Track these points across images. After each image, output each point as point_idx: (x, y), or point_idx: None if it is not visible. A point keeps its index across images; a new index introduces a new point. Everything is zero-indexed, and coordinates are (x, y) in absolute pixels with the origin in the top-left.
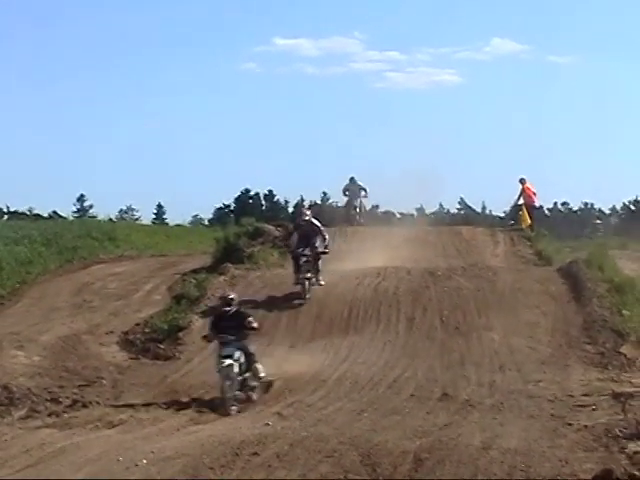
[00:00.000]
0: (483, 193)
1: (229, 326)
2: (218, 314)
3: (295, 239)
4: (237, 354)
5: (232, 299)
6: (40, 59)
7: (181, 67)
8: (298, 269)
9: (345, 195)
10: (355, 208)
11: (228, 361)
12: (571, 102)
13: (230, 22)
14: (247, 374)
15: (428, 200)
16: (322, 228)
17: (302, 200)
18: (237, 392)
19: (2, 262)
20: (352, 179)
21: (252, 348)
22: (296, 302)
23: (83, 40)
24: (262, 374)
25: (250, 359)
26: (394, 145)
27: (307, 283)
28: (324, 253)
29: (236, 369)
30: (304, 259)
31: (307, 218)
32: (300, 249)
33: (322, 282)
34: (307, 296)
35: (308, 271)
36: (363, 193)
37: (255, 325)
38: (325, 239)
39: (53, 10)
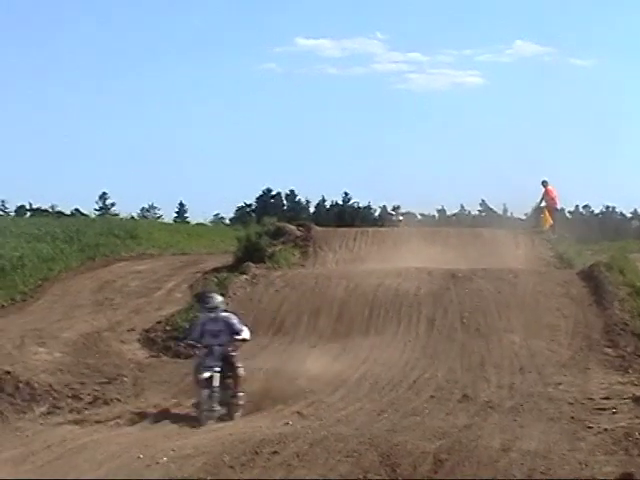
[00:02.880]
0: (504, 195)
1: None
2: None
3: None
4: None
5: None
6: (63, 54)
7: (203, 66)
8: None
9: None
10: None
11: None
12: (593, 104)
13: (252, 22)
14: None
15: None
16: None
17: (324, 200)
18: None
19: (24, 259)
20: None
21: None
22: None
23: (103, 38)
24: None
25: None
26: (415, 146)
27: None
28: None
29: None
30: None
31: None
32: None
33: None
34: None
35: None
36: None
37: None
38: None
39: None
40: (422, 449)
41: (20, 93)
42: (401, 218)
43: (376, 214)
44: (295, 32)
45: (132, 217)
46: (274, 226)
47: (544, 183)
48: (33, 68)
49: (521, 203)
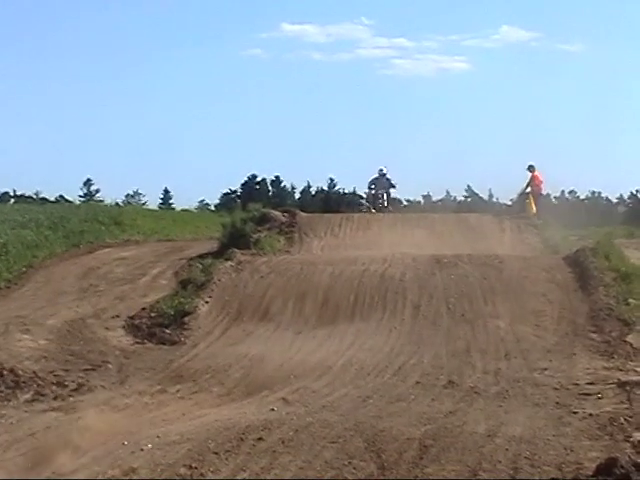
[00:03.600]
0: (490, 180)
1: None
2: None
3: None
4: None
5: None
6: (46, 44)
7: (187, 53)
8: None
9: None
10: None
11: None
12: (580, 90)
13: (237, 8)
14: None
15: None
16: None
17: (309, 186)
18: None
19: (8, 246)
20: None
21: None
22: None
23: (91, 27)
24: None
25: None
26: (401, 132)
27: None
28: None
29: None
30: None
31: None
32: None
33: None
34: None
35: None
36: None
37: None
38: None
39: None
40: (407, 435)
41: (2, 80)
42: (390, 208)
43: (363, 200)
44: (280, 18)
45: (117, 203)
46: (259, 212)
47: (530, 168)
48: (16, 56)
49: (506, 188)
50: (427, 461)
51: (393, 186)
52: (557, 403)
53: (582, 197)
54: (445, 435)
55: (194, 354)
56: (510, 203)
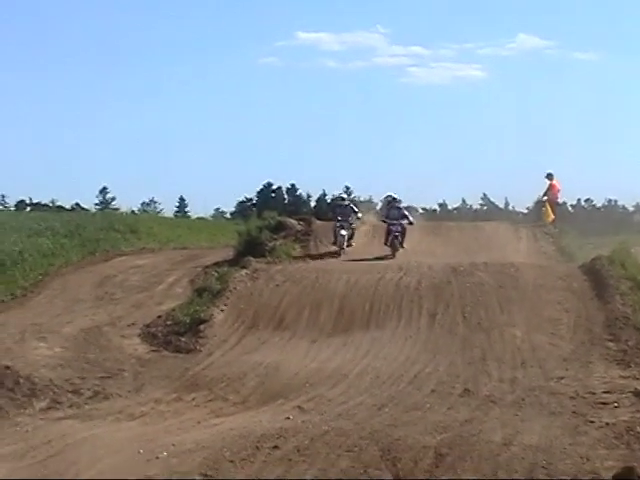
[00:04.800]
0: (506, 189)
1: None
2: None
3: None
4: None
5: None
6: (62, 52)
7: (204, 62)
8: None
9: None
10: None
11: None
12: (595, 98)
13: (252, 16)
14: None
15: None
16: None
17: (324, 194)
18: None
19: (25, 254)
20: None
21: None
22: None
23: (105, 33)
24: None
25: None
26: (417, 140)
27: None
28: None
29: None
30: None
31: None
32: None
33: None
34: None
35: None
36: (358, 216)
37: None
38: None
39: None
40: (423, 443)
41: (20, 88)
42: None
43: (377, 207)
44: (296, 26)
45: (132, 212)
46: (275, 220)
47: (549, 176)
48: (32, 62)
49: (523, 197)
50: (443, 470)
51: (356, 212)
52: (573, 412)
53: (598, 205)
54: (461, 444)
55: (210, 362)
56: (526, 211)
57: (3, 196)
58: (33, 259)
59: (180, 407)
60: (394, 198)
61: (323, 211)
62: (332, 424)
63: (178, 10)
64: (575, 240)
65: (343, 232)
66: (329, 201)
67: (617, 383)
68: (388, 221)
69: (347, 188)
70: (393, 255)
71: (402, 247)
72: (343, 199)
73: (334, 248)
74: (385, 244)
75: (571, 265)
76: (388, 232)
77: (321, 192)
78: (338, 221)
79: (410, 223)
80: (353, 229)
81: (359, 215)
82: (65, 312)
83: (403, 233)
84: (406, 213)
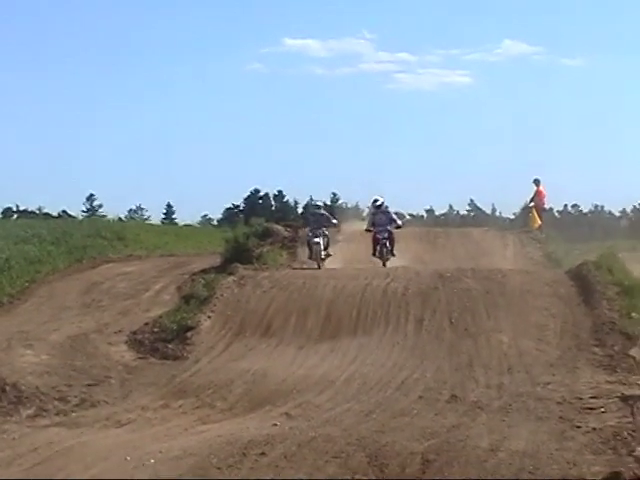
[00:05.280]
0: (493, 194)
1: None
2: None
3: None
4: None
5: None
6: (49, 57)
7: (188, 67)
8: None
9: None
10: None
11: None
12: (582, 104)
13: (238, 22)
14: None
15: None
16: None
17: (312, 200)
18: None
19: (11, 261)
20: (315, 205)
21: None
22: None
23: (91, 38)
24: None
25: None
26: (403, 146)
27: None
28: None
29: None
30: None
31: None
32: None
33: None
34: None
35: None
36: (334, 224)
37: None
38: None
39: (58, 7)
40: (410, 449)
41: (6, 94)
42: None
43: (364, 214)
44: (282, 32)
45: (119, 219)
46: (262, 227)
47: (536, 182)
48: (19, 67)
49: (509, 202)
50: (430, 476)
51: (330, 220)
52: (560, 417)
53: (585, 211)
54: (448, 450)
55: (197, 369)
56: (513, 217)
57: None
58: (20, 266)
59: (167, 414)
60: (380, 203)
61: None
62: (319, 430)
63: (163, 16)
64: (562, 246)
65: (317, 240)
66: (302, 210)
67: (604, 388)
68: (373, 229)
69: (334, 194)
70: (384, 265)
71: (392, 255)
72: (318, 207)
73: (311, 262)
74: (373, 255)
75: (558, 271)
76: (375, 241)
77: (308, 198)
78: (311, 230)
79: (398, 227)
80: (328, 237)
81: (334, 222)
82: (52, 319)
83: (391, 240)
84: (394, 217)
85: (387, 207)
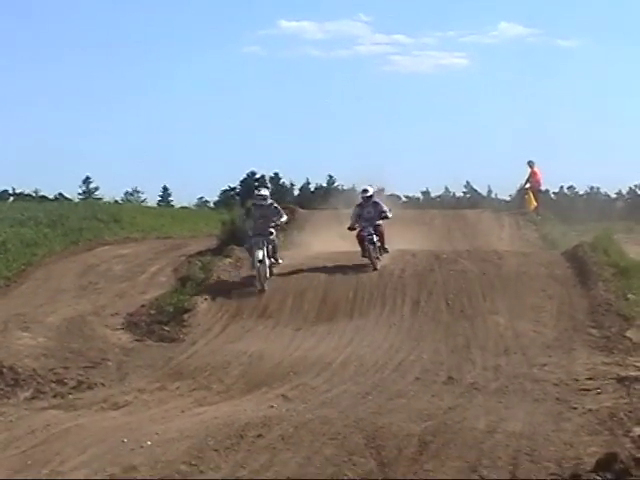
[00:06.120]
0: (489, 176)
1: None
2: None
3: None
4: None
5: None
6: (45, 43)
7: (186, 50)
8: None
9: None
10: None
11: None
12: (578, 86)
13: (234, 5)
14: None
15: None
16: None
17: (308, 183)
18: None
19: (8, 244)
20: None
21: None
22: None
23: (88, 22)
24: None
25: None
26: (400, 128)
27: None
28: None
29: None
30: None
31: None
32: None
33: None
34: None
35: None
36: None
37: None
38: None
39: None
40: (407, 431)
41: (2, 78)
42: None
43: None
44: (278, 15)
45: (116, 201)
46: None
47: (530, 163)
48: (17, 52)
49: (505, 184)
50: (427, 457)
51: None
52: (557, 399)
53: (581, 192)
54: (445, 431)
55: (193, 351)
56: (509, 199)
57: None
58: (16, 249)
59: (164, 396)
60: (371, 194)
61: (307, 199)
62: (316, 412)
63: (158, 1)
64: (558, 227)
65: (259, 255)
66: (249, 204)
67: (600, 369)
68: (357, 225)
69: (330, 177)
70: (374, 269)
71: (385, 251)
72: (264, 197)
73: (253, 272)
74: (363, 256)
75: (554, 252)
76: (361, 240)
77: (305, 181)
78: (254, 233)
79: (386, 217)
80: (274, 242)
81: (284, 219)
82: (48, 302)
83: (380, 234)
84: (384, 209)
85: (372, 195)
